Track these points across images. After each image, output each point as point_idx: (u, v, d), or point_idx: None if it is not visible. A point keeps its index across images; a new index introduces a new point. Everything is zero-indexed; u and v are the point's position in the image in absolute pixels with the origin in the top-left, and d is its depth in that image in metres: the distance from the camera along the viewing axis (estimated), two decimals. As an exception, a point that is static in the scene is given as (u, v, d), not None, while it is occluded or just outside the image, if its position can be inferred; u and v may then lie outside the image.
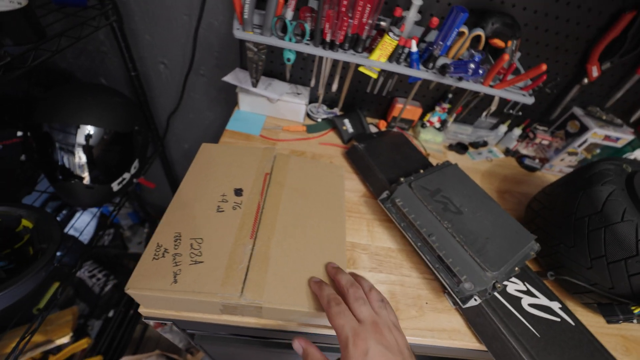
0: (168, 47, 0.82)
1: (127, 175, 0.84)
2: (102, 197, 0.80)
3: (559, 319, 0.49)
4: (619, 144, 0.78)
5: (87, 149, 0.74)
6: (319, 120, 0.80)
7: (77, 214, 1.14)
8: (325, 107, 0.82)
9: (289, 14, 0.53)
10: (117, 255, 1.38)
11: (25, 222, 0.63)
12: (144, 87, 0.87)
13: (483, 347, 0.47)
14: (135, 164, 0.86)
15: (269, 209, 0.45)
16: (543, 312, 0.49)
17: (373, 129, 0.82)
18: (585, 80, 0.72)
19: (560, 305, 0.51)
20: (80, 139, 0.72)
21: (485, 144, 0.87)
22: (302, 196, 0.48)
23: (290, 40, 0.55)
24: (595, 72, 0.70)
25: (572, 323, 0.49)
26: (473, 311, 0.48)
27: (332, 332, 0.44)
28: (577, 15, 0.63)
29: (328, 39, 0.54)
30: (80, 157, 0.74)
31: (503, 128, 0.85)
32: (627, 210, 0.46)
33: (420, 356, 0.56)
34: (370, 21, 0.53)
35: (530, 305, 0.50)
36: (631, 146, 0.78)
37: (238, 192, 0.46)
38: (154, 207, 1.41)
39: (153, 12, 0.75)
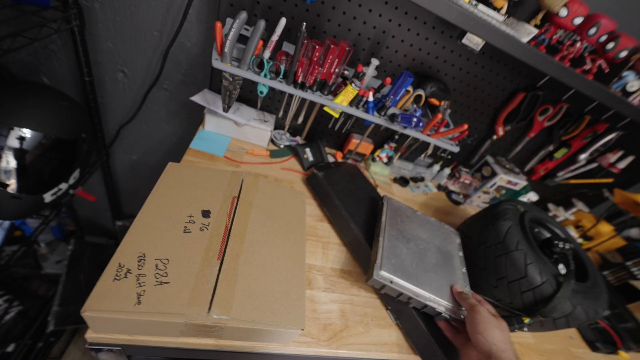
0: (131, 57, 0.80)
1: (64, 186, 0.76)
2: (28, 209, 0.70)
3: (474, 330, 0.60)
4: (517, 187, 0.99)
5: (18, 153, 0.66)
6: (282, 146, 0.85)
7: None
8: (288, 135, 0.88)
9: (266, 54, 0.58)
10: (27, 277, 1.17)
11: None
12: (95, 92, 0.82)
13: (418, 358, 0.54)
14: (76, 174, 0.79)
15: (237, 226, 0.47)
16: (462, 324, 0.60)
17: (330, 159, 0.91)
18: (494, 137, 0.92)
19: (475, 319, 0.62)
20: (12, 141, 0.65)
21: (422, 179, 1.03)
22: (269, 217, 0.52)
23: (265, 76, 0.60)
24: (500, 132, 0.90)
25: (483, 333, 0.60)
26: (411, 325, 0.56)
27: (288, 351, 0.47)
28: (488, 89, 0.82)
29: (300, 80, 0.61)
30: (9, 161, 0.65)
31: (436, 167, 1.02)
32: (519, 242, 0.60)
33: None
34: (337, 71, 0.62)
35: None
36: (525, 190, 1.01)
37: (205, 213, 0.47)
38: (85, 221, 1.25)
39: (121, 23, 0.74)
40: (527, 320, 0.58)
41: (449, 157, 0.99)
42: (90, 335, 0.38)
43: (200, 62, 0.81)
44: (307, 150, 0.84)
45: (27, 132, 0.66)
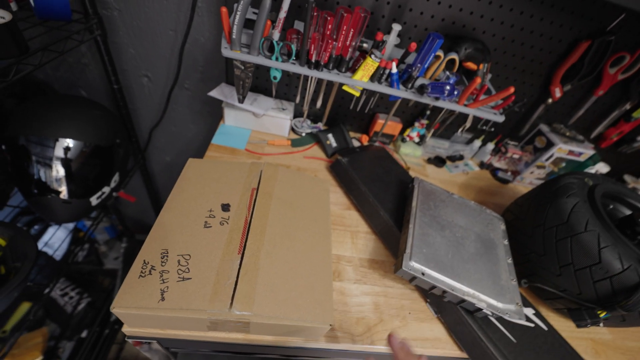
0: (152, 61, 0.83)
1: (106, 189, 0.82)
2: (79, 212, 0.77)
3: (533, 325, 0.52)
4: (581, 158, 0.85)
5: (65, 162, 0.72)
6: (303, 134, 0.82)
7: (50, 229, 1.09)
8: (309, 122, 0.85)
9: (276, 35, 0.55)
10: (92, 272, 1.32)
11: (-3, 240, 0.60)
12: (125, 99, 0.87)
13: (464, 355, 0.49)
14: (116, 177, 0.84)
15: (257, 219, 0.45)
16: (518, 318, 0.52)
17: (355, 143, 0.86)
18: (550, 100, 0.79)
19: (534, 312, 0.54)
20: (59, 152, 0.71)
21: (461, 157, 0.93)
22: (290, 207, 0.50)
23: (277, 59, 0.57)
24: (557, 93, 0.77)
25: (545, 328, 0.53)
26: (454, 320, 0.50)
27: (319, 345, 0.45)
28: (540, 43, 0.70)
29: (313, 59, 0.57)
30: (58, 170, 0.72)
31: (477, 143, 0.91)
32: (589, 221, 0.51)
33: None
34: (353, 44, 0.56)
35: (506, 312, 0.53)
36: (592, 160, 0.86)
37: (225, 207, 0.46)
38: (132, 221, 1.36)
39: (139, 27, 0.76)
40: (603, 315, 0.49)
41: (492, 129, 0.87)
42: (127, 329, 0.40)
43: (215, 57, 0.81)
44: (330, 136, 0.80)
45: (69, 142, 0.72)
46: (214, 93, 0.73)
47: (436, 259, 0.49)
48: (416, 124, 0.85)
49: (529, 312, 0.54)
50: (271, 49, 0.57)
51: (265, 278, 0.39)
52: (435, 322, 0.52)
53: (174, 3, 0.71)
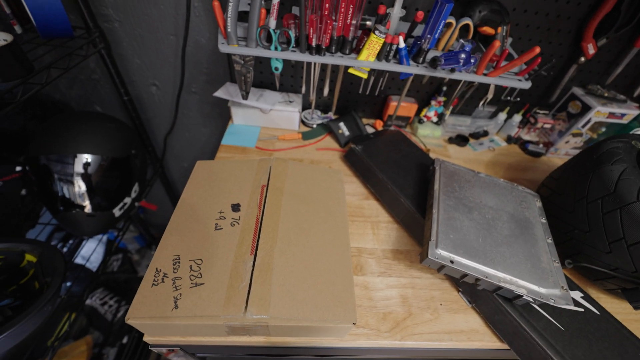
0: (158, 68, 0.83)
1: (128, 200, 0.84)
2: (104, 224, 0.79)
3: (582, 309, 0.47)
4: (624, 120, 0.75)
5: (85, 177, 0.74)
6: (314, 126, 0.79)
7: (84, 242, 1.15)
8: (319, 113, 0.82)
9: (272, 23, 0.52)
10: (127, 280, 1.38)
11: (29, 257, 0.62)
12: (137, 110, 0.88)
13: (505, 346, 0.45)
14: (136, 187, 0.86)
15: (269, 216, 0.43)
16: (565, 303, 0.47)
17: (370, 130, 0.81)
18: (582, 59, 0.70)
19: (582, 295, 0.49)
20: (78, 168, 0.73)
21: (485, 133, 0.86)
22: (302, 202, 0.47)
23: (276, 49, 0.54)
24: (591, 50, 0.68)
25: (597, 312, 0.47)
26: (491, 309, 0.46)
27: (346, 344, 0.42)
28: (565, -6, 0.62)
29: (314, 43, 0.53)
30: (80, 186, 0.74)
31: (502, 116, 0.84)
32: (641, 189, 0.44)
33: (441, 360, 0.54)
34: (354, 22, 0.52)
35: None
36: (638, 121, 0.76)
37: (235, 207, 0.45)
38: (158, 229, 1.41)
39: (140, 36, 0.76)
40: (666, 293, 0.43)
41: (518, 99, 0.80)
42: (148, 339, 0.39)
43: (217, 57, 0.79)
44: (341, 124, 0.77)
45: (87, 157, 0.73)
46: (219, 93, 0.72)
47: (466, 245, 0.45)
48: (432, 103, 0.79)
49: (577, 295, 0.49)
50: (269, 39, 0.54)
51: (281, 278, 0.37)
52: (470, 313, 0.48)
53: (171, 6, 0.70)
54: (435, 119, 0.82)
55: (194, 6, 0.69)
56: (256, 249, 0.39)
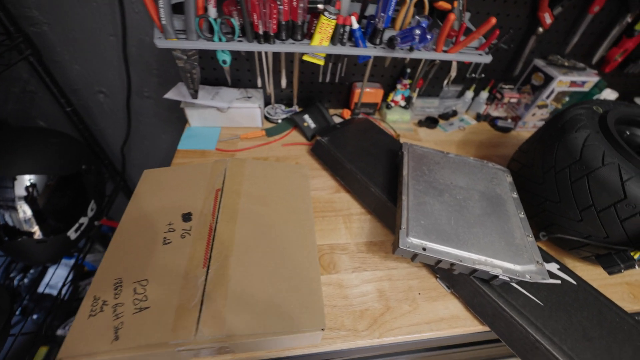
0: (102, 74, 0.76)
1: (84, 220, 0.77)
2: (59, 249, 0.73)
3: (559, 281, 0.46)
4: (586, 88, 0.76)
5: (30, 200, 0.67)
6: (279, 121, 0.75)
7: (50, 270, 1.06)
8: (283, 107, 0.78)
9: (212, 12, 0.48)
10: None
11: (-33, 296, 0.56)
12: (85, 121, 0.80)
13: (487, 328, 0.43)
14: (92, 205, 0.79)
15: (223, 223, 0.39)
16: (542, 277, 0.46)
17: (337, 120, 0.78)
18: (540, 29, 0.70)
19: (558, 266, 0.48)
20: (20, 191, 0.66)
21: (455, 113, 0.85)
22: (262, 203, 0.44)
23: (220, 40, 0.50)
24: (548, 19, 0.67)
25: (574, 282, 0.46)
26: (469, 292, 0.44)
27: (322, 349, 0.39)
28: (517, -37, 0.60)
29: (260, 31, 0.49)
30: (25, 211, 0.67)
31: (469, 94, 0.83)
32: (606, 153, 0.43)
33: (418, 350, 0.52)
34: (301, 4, 0.48)
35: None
36: (598, 87, 0.77)
37: (186, 217, 0.40)
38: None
39: (75, 39, 0.69)
40: (637, 255, 0.42)
41: (482, 75, 0.79)
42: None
43: (167, 56, 0.74)
44: (306, 117, 0.73)
45: (30, 178, 0.66)
46: (170, 95, 0.66)
47: (437, 230, 0.43)
48: (398, 86, 0.77)
49: (553, 267, 0.48)
50: (212, 30, 0.49)
51: (238, 290, 0.33)
52: (449, 299, 0.46)
53: (105, 4, 0.64)
54: (403, 103, 0.80)
55: (130, 1, 0.63)
56: (209, 261, 0.35)
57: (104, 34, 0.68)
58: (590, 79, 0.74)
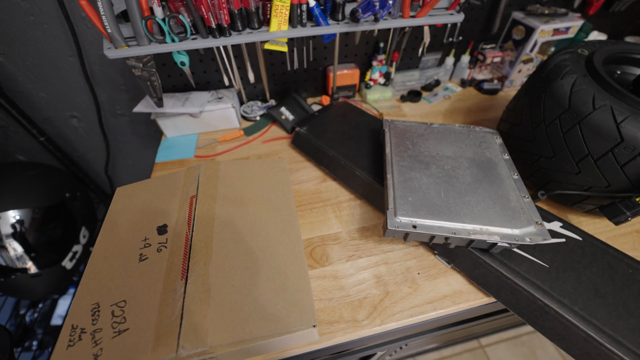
0: (69, 98, 0.74)
1: (77, 248, 0.76)
2: (56, 280, 0.72)
3: (564, 239, 0.44)
4: (570, 34, 0.72)
5: (19, 236, 0.66)
6: (257, 118, 0.73)
7: (61, 301, 1.06)
8: (259, 103, 0.75)
9: (159, 12, 0.45)
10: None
11: (-33, 341, 0.55)
12: (63, 149, 0.79)
13: (493, 299, 0.41)
14: (84, 232, 0.78)
15: (200, 230, 0.38)
16: (544, 238, 0.44)
17: (317, 108, 0.76)
18: (513, -21, 0.66)
19: (561, 224, 0.45)
20: (6, 228, 0.65)
21: (438, 83, 0.81)
22: (239, 204, 0.42)
23: (173, 40, 0.47)
24: (519, -33, 0.63)
25: (579, 238, 0.44)
26: (470, 264, 0.42)
27: (322, 345, 0.37)
28: None
29: (213, 24, 0.46)
30: (15, 248, 0.66)
31: (450, 60, 0.79)
32: (596, 96, 0.41)
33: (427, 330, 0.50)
34: (251, -11, 0.45)
35: (529, 235, 0.44)
36: (584, 32, 0.73)
37: (161, 229, 0.39)
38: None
39: (34, 66, 0.67)
40: (643, 200, 0.40)
41: (460, 38, 0.75)
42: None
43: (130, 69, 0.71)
44: (283, 109, 0.71)
45: (14, 215, 0.65)
46: (139, 108, 0.64)
47: (427, 204, 0.41)
48: (374, 63, 0.74)
49: (556, 226, 0.45)
50: (162, 31, 0.47)
51: (219, 298, 0.32)
52: (450, 274, 0.44)
53: (56, 24, 0.61)
54: (382, 80, 0.77)
55: (81, 17, 0.60)
56: (187, 272, 0.34)
57: (63, 55, 0.66)
58: (574, 23, 0.70)
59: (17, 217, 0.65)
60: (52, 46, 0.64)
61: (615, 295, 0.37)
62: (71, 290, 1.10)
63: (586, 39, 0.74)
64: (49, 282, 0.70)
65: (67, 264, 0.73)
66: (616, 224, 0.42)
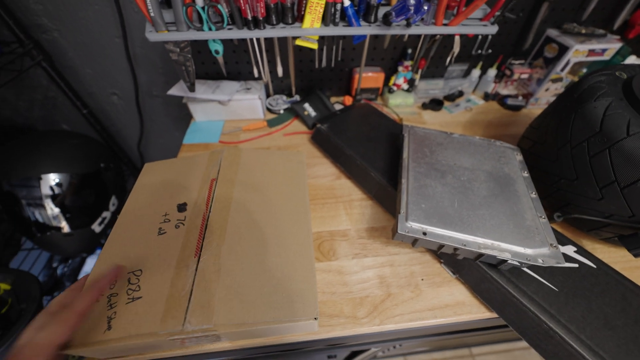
0: (113, 76, 0.75)
1: (107, 214, 0.78)
2: (85, 242, 0.75)
3: (577, 265, 0.40)
4: (606, 56, 0.66)
5: (56, 197, 0.68)
6: (281, 111, 0.72)
7: (89, 260, 1.11)
8: (284, 97, 0.74)
9: (200, 1, 0.44)
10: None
11: (3, 285, 0.58)
12: (102, 122, 0.81)
13: (495, 315, 0.39)
14: (114, 200, 0.80)
15: (217, 212, 0.37)
16: (556, 260, 0.41)
17: (339, 107, 0.74)
18: (553, -5, 0.61)
19: (575, 249, 0.42)
20: (46, 189, 0.67)
21: (461, 94, 0.77)
22: (256, 191, 0.41)
23: (210, 29, 0.46)
24: (562, -18, 0.58)
25: (593, 265, 0.40)
26: (476, 278, 0.40)
27: (320, 336, 0.37)
28: None
29: (249, 16, 0.45)
30: (52, 207, 0.68)
31: (476, 72, 0.75)
32: (631, 122, 0.37)
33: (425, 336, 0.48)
34: (289, -16, 0.44)
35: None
36: (621, 55, 0.67)
37: (181, 207, 0.38)
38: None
39: (84, 44, 0.68)
40: (669, 235, 0.36)
41: (489, 51, 0.71)
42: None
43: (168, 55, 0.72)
44: (306, 105, 0.69)
45: (54, 177, 0.68)
46: (173, 91, 0.64)
47: (439, 213, 0.38)
48: (400, 69, 0.71)
49: (570, 250, 0.42)
50: (201, 19, 0.46)
51: (229, 279, 0.31)
52: (454, 284, 0.42)
53: (106, 5, 0.62)
54: (405, 86, 0.74)
55: (129, 1, 0.61)
56: (200, 250, 0.33)
57: (110, 36, 0.67)
58: (612, 45, 0.64)
59: (57, 180, 0.68)
60: (100, 26, 0.65)
61: (627, 329, 0.34)
62: (98, 251, 1.14)
63: (623, 62, 0.68)
64: (79, 242, 0.73)
65: (96, 227, 0.76)
66: (635, 256, 0.39)
